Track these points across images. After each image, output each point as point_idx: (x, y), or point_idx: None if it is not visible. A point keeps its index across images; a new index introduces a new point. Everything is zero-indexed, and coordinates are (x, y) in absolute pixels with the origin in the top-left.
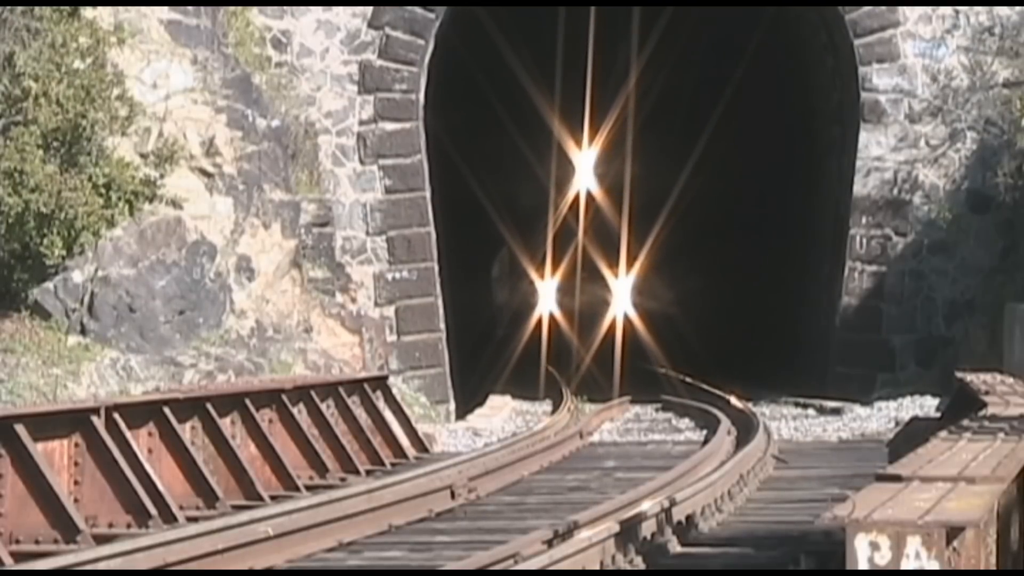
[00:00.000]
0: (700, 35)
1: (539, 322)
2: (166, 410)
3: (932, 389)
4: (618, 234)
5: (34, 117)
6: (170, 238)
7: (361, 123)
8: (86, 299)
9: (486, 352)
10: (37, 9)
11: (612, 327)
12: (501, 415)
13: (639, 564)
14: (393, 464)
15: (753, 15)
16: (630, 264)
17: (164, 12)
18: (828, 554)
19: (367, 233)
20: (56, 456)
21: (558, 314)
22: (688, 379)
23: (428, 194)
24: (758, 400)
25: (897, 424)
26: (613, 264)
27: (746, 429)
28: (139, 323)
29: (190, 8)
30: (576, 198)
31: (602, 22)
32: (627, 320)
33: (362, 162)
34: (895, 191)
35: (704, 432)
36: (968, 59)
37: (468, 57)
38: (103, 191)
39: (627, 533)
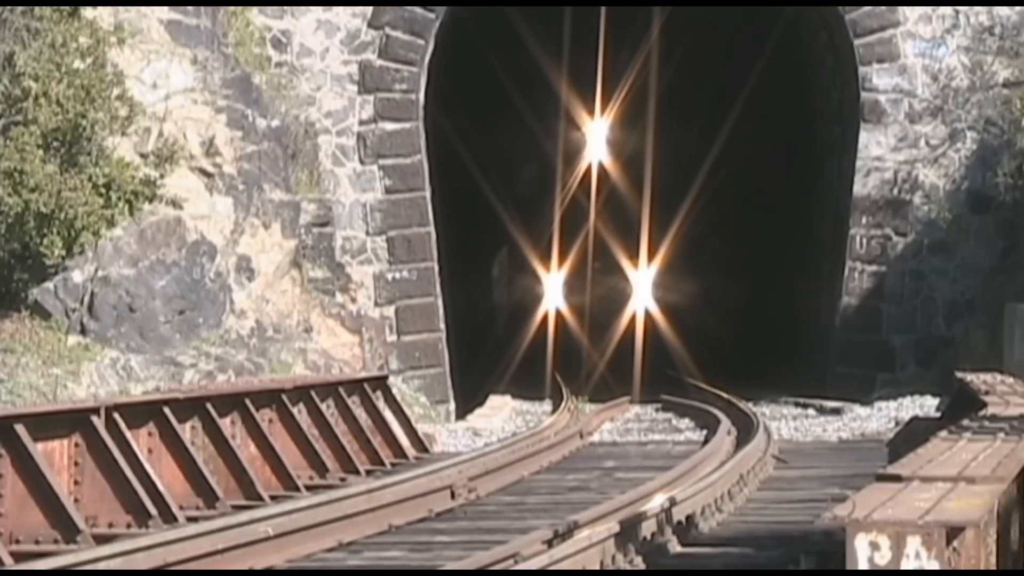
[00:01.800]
0: (701, 38)
1: (544, 321)
2: (166, 410)
3: (932, 389)
4: (638, 217)
5: (34, 117)
6: (170, 238)
7: (361, 123)
8: (86, 299)
9: (483, 356)
10: (37, 9)
11: (631, 327)
12: (501, 415)
13: (639, 564)
14: (393, 464)
15: (755, 15)
16: (652, 253)
17: (164, 12)
18: (828, 554)
19: (367, 233)
20: (56, 456)
21: (566, 311)
22: (725, 395)
23: (428, 194)
24: (758, 400)
25: (897, 424)
26: (632, 253)
27: (746, 429)
28: (139, 323)
29: (190, 8)
30: (587, 172)
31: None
32: (648, 318)
33: (362, 162)
34: (895, 191)
35: (704, 432)
36: (968, 59)
37: (466, 18)
38: (103, 191)
39: (627, 533)
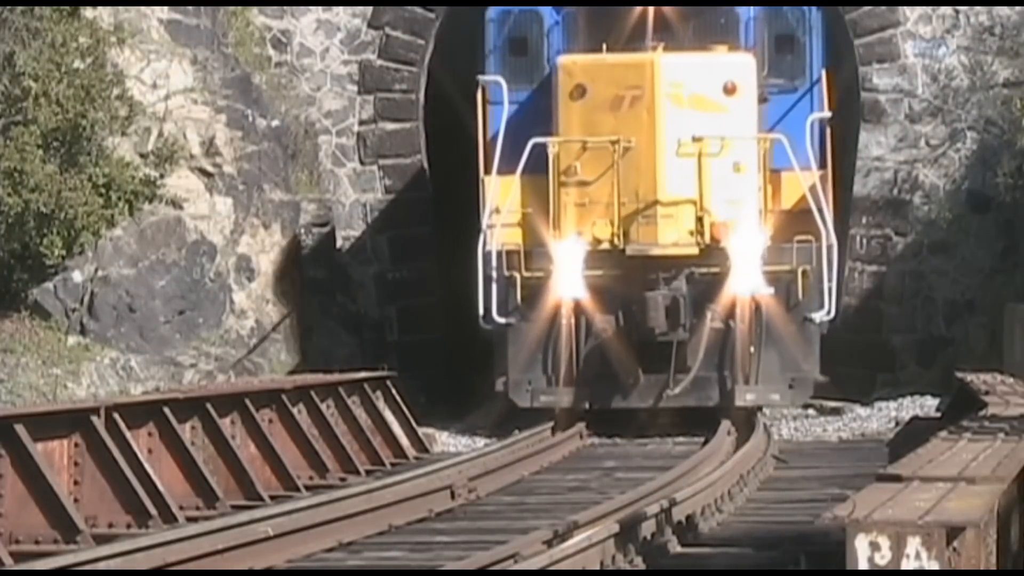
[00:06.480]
0: None
1: (551, 323)
2: (166, 410)
3: (932, 389)
4: None
5: (34, 117)
6: (170, 238)
7: (361, 123)
8: (86, 299)
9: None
10: (37, 9)
11: (726, 327)
12: None
13: (639, 564)
14: (393, 464)
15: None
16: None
17: (164, 12)
18: (828, 554)
19: (367, 233)
20: (56, 456)
21: (592, 306)
22: None
23: (428, 194)
24: None
25: (897, 424)
26: None
27: (746, 429)
28: (139, 323)
29: (190, 8)
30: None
31: None
32: (757, 312)
33: (362, 162)
34: (895, 191)
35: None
36: (968, 59)
37: None
38: (103, 191)
39: (627, 533)
